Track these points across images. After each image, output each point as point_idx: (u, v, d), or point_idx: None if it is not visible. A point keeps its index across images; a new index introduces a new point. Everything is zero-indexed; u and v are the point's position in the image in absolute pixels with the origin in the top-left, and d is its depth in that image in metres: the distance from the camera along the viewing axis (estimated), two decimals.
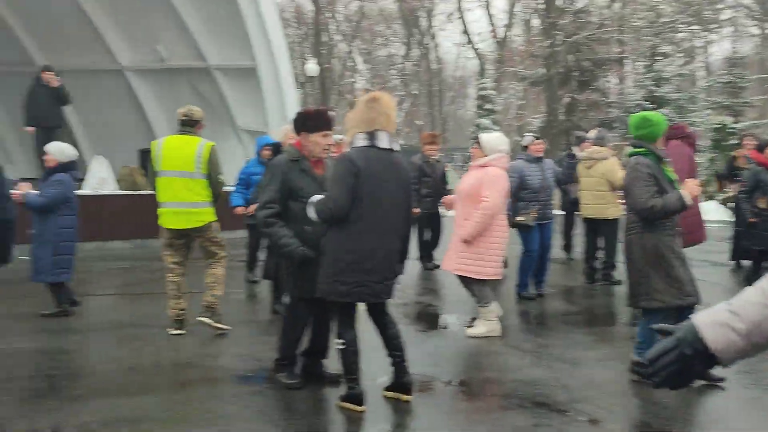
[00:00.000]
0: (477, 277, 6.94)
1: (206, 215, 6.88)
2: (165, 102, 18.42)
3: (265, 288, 9.47)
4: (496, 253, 6.97)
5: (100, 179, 13.85)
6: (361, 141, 4.82)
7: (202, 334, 6.90)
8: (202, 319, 6.89)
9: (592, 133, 9.92)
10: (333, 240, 4.80)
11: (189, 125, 6.92)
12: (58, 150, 7.99)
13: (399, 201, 4.86)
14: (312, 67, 34.26)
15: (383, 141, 4.82)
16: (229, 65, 17.49)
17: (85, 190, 13.47)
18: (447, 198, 7.75)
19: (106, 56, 18.15)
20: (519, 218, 8.45)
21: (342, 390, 5.01)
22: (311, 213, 4.88)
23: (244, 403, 5.01)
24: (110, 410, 4.84)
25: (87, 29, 17.70)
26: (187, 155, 6.77)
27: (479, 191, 6.87)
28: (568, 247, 12.16)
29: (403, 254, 5.01)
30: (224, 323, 6.99)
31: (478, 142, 7.23)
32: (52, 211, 7.65)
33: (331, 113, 5.65)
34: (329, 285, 4.79)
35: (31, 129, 13.33)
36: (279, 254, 5.27)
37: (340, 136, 8.81)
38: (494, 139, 7.19)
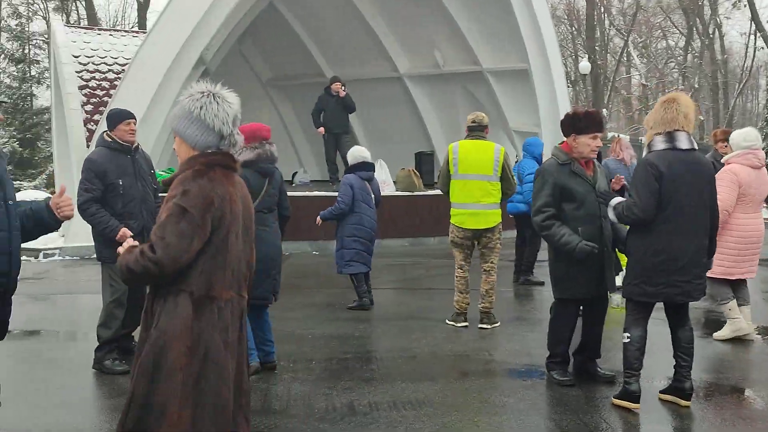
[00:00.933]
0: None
1: (497, 216, 7.25)
2: (440, 106, 19.19)
3: (536, 287, 9.66)
4: (729, 252, 6.58)
5: (381, 181, 14.76)
6: (661, 144, 4.85)
7: (477, 329, 7.23)
8: (482, 326, 7.28)
9: None
10: (639, 242, 4.88)
11: (479, 130, 7.30)
12: (350, 153, 8.79)
13: (703, 200, 4.85)
14: (585, 64, 33.68)
15: (683, 142, 4.82)
16: (502, 68, 17.80)
17: None
18: None
19: (387, 65, 19.27)
20: None
21: (617, 390, 5.05)
22: (611, 215, 5.01)
23: (518, 396, 5.23)
24: (396, 393, 5.29)
25: (370, 41, 18.93)
26: (485, 159, 7.17)
27: None
28: None
29: (710, 251, 5.01)
30: (497, 320, 7.37)
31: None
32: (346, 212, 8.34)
33: (604, 111, 5.70)
34: (636, 286, 4.87)
35: (321, 129, 14.56)
36: (564, 254, 5.38)
37: (613, 133, 8.78)
38: (737, 136, 6.85)
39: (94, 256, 11.37)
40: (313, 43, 20.03)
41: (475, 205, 7.18)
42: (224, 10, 14.28)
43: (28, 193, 21.20)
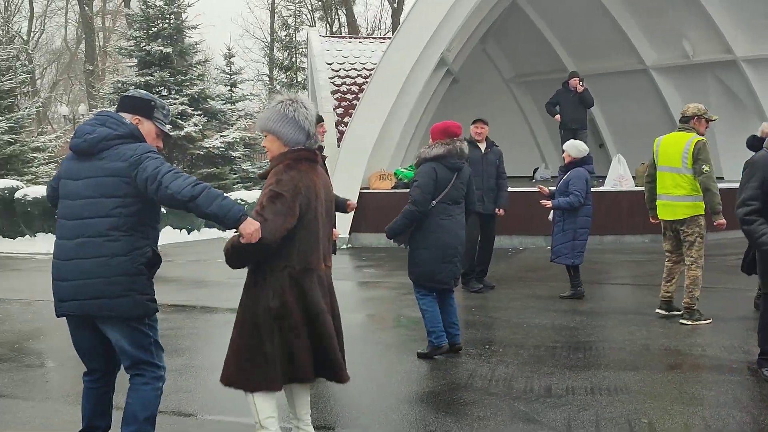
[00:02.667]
0: None
1: (688, 209, 7.08)
2: (689, 98, 18.17)
3: None
4: None
5: (618, 176, 14.53)
6: None
7: (700, 325, 7.11)
8: (682, 321, 7.17)
9: None
10: None
11: (684, 122, 7.22)
12: (571, 147, 8.96)
13: None
14: None
15: None
16: (758, 55, 16.67)
17: (606, 187, 14.32)
18: None
19: (632, 57, 18.77)
20: None
21: None
22: None
23: (721, 389, 5.17)
24: (595, 380, 5.46)
25: (613, 33, 18.55)
26: (675, 151, 7.11)
27: None
28: None
29: None
30: (707, 318, 7.17)
31: None
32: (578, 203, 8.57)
33: None
34: None
35: (557, 116, 14.61)
36: (760, 252, 5.26)
37: None
38: None
39: (343, 246, 12.67)
40: (555, 39, 20.01)
41: (665, 196, 7.21)
42: (463, 13, 14.80)
43: None
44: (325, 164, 6.24)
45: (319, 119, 6.35)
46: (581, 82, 14.48)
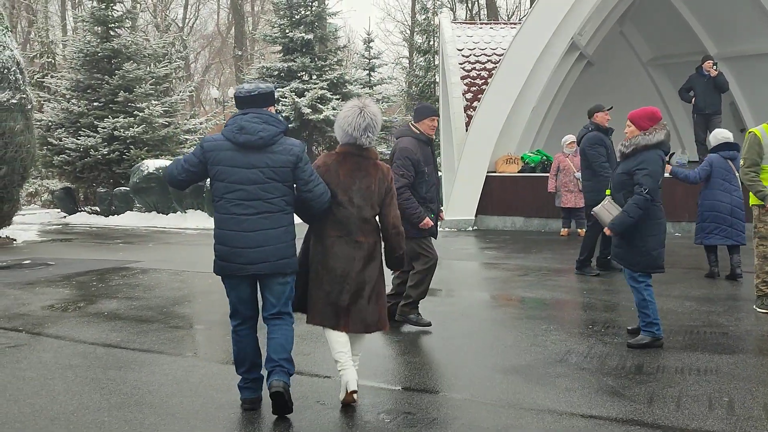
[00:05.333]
0: None
1: (752, 199, 7.28)
2: None
3: None
4: None
5: None
6: None
7: None
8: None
9: None
10: None
11: None
12: (712, 137, 9.34)
13: None
14: None
15: None
16: None
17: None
18: None
19: None
20: None
21: None
22: None
23: None
24: (688, 361, 5.67)
25: (757, 14, 17.85)
26: None
27: None
28: None
29: None
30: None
31: None
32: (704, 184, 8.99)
33: None
34: None
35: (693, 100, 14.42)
36: None
37: None
38: None
39: (469, 228, 13.15)
40: (695, 20, 19.43)
41: None
42: None
43: None
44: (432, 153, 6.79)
45: (431, 112, 6.77)
46: (715, 66, 14.16)
